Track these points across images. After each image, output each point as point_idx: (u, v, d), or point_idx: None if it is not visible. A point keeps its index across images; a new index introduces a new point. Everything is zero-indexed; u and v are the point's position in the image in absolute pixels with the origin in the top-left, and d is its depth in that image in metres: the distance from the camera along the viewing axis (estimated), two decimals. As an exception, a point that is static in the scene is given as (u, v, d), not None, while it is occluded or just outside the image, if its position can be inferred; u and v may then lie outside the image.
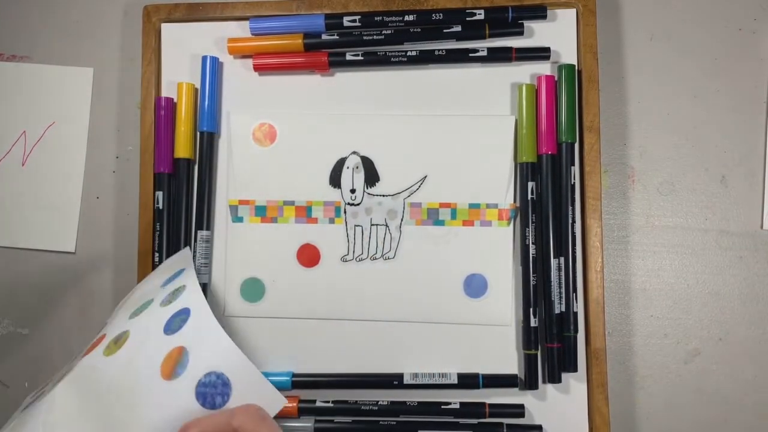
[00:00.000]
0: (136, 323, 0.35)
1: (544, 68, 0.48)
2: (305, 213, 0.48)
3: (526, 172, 0.46)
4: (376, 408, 0.46)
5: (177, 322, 0.35)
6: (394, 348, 0.47)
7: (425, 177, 0.48)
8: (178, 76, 0.50)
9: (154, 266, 0.48)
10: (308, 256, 0.48)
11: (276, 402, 0.34)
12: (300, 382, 0.47)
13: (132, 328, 0.35)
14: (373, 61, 0.48)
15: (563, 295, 0.45)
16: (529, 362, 0.46)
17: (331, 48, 0.48)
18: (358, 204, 0.48)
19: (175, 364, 0.33)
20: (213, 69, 0.49)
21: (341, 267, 0.48)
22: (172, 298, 0.37)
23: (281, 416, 0.46)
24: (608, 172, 0.49)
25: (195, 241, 0.48)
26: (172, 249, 0.48)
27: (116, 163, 0.52)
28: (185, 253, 0.44)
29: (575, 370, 0.45)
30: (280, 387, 0.47)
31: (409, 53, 0.48)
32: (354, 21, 0.48)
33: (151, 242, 0.48)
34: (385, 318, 0.48)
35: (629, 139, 0.49)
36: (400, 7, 0.48)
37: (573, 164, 0.46)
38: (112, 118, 0.52)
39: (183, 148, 0.48)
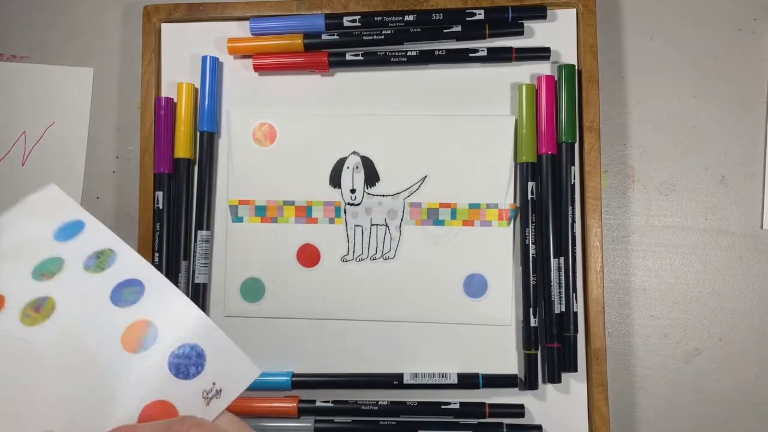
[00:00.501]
0: (59, 289, 0.32)
1: (544, 68, 0.48)
2: (305, 213, 0.48)
3: (526, 172, 0.46)
4: (376, 408, 0.46)
5: (128, 293, 0.33)
6: (394, 348, 0.47)
7: (425, 177, 0.48)
8: (178, 76, 0.50)
9: (153, 266, 0.48)
10: (308, 256, 0.48)
11: (250, 373, 0.33)
12: (300, 382, 0.47)
13: (55, 294, 0.32)
14: (373, 61, 0.48)
15: (563, 295, 0.45)
16: (529, 362, 0.46)
17: (331, 48, 0.48)
18: (358, 204, 0.48)
19: (140, 337, 0.32)
20: (213, 69, 0.49)
21: (341, 267, 0.48)
22: (101, 265, 0.34)
23: (282, 416, 0.46)
24: (608, 172, 0.49)
25: (195, 241, 0.48)
26: (172, 249, 0.48)
27: (116, 163, 0.52)
28: (52, 191, 0.37)
29: (575, 370, 0.45)
30: (280, 387, 0.47)
31: (409, 53, 0.48)
32: (354, 21, 0.48)
33: (151, 242, 0.48)
34: (385, 318, 0.48)
35: (629, 139, 0.49)
36: (400, 7, 0.48)
37: (573, 164, 0.46)
38: (112, 118, 0.52)
39: (183, 148, 0.48)
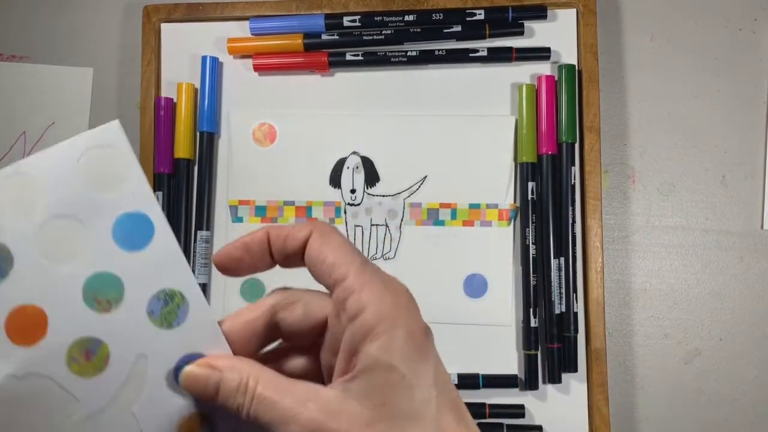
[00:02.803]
0: (115, 334, 0.25)
1: (544, 68, 0.48)
2: (305, 213, 0.48)
3: (526, 172, 0.46)
4: (376, 408, 0.46)
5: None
6: (394, 348, 0.47)
7: (425, 177, 0.48)
8: (178, 76, 0.50)
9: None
10: (308, 256, 0.48)
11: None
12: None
13: (110, 341, 0.25)
14: (373, 61, 0.48)
15: (563, 295, 0.45)
16: (529, 362, 0.46)
17: (331, 48, 0.48)
18: (358, 204, 0.48)
19: None
20: (213, 69, 0.49)
21: (341, 267, 0.48)
22: (168, 317, 0.26)
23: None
24: (608, 172, 0.49)
25: (195, 241, 0.48)
26: (172, 249, 0.48)
27: (116, 163, 0.52)
28: (119, 142, 0.26)
29: (575, 370, 0.45)
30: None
31: (409, 53, 0.48)
32: (354, 21, 0.48)
33: (151, 242, 0.48)
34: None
35: (629, 139, 0.49)
36: (400, 7, 0.48)
37: (573, 164, 0.46)
38: (111, 118, 0.52)
39: (183, 149, 0.48)
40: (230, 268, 0.25)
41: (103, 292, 0.24)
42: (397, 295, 0.23)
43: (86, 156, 0.25)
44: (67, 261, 0.24)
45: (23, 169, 0.24)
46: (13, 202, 0.24)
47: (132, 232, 0.25)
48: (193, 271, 0.48)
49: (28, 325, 0.24)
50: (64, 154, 0.24)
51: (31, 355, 0.24)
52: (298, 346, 0.27)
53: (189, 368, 0.24)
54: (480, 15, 0.47)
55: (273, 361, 0.26)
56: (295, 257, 0.25)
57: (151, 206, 0.25)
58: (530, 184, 0.46)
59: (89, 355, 0.25)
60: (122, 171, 0.25)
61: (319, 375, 0.26)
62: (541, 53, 0.47)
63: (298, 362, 0.27)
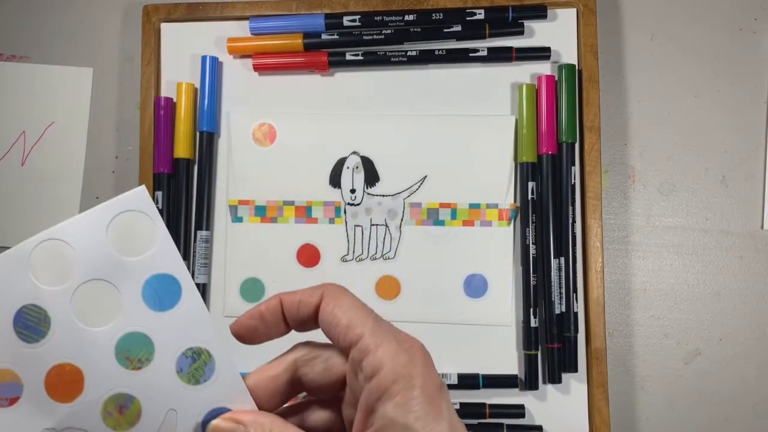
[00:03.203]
0: (146, 391, 0.26)
1: (544, 68, 0.48)
2: (305, 213, 0.48)
3: (526, 172, 0.46)
4: (376, 408, 0.46)
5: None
6: (394, 348, 0.47)
7: (425, 177, 0.48)
8: (178, 76, 0.50)
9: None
10: (308, 256, 0.48)
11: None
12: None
13: (141, 397, 0.26)
14: (373, 61, 0.48)
15: (563, 295, 0.45)
16: (530, 362, 0.46)
17: (331, 48, 0.48)
18: (358, 204, 0.48)
19: None
20: (213, 69, 0.49)
21: (341, 267, 0.48)
22: (196, 374, 0.27)
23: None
24: (608, 172, 0.49)
25: (195, 241, 0.48)
26: (172, 249, 0.48)
27: (116, 163, 0.52)
28: (145, 204, 0.27)
29: (575, 370, 0.45)
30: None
31: (409, 53, 0.48)
32: (354, 21, 0.48)
33: (150, 242, 0.48)
34: (385, 318, 0.47)
35: (629, 139, 0.49)
36: (400, 7, 0.48)
37: (573, 164, 0.46)
38: (111, 118, 0.52)
39: (182, 148, 0.48)
40: (246, 337, 0.27)
41: (134, 351, 0.26)
42: (411, 352, 0.24)
43: (115, 221, 0.26)
44: (100, 322, 0.26)
45: (56, 235, 0.25)
46: (48, 267, 0.26)
47: (160, 293, 0.27)
48: (193, 271, 0.48)
49: (66, 383, 0.26)
50: (94, 220, 0.26)
51: (69, 410, 0.26)
52: (320, 400, 0.28)
53: (215, 422, 0.26)
54: (480, 15, 0.47)
55: (296, 413, 0.27)
56: (309, 322, 0.26)
57: (178, 267, 0.27)
58: (530, 184, 0.46)
59: (122, 410, 0.26)
60: (149, 234, 0.27)
61: (341, 428, 0.27)
62: (541, 53, 0.47)
63: (321, 415, 0.28)
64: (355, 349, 0.24)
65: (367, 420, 0.23)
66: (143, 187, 0.27)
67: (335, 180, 0.48)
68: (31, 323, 0.25)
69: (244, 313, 0.26)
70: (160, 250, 0.27)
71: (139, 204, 0.27)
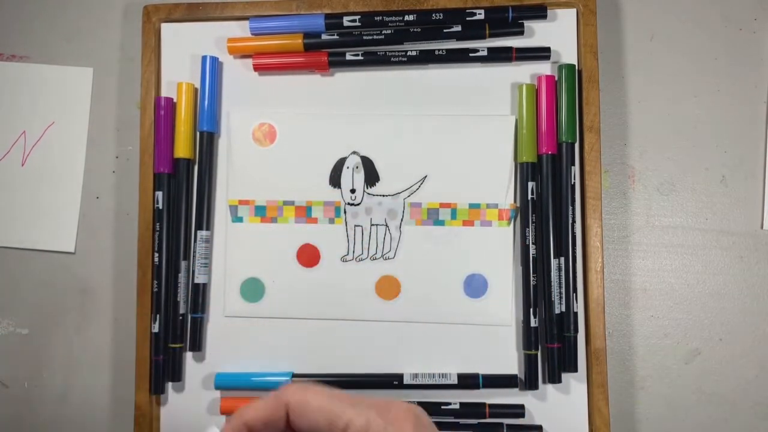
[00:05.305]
0: None
1: (544, 68, 0.48)
2: (305, 213, 0.48)
3: (526, 172, 0.46)
4: (376, 408, 0.46)
5: None
6: (394, 348, 0.47)
7: (425, 177, 0.48)
8: (178, 76, 0.50)
9: (153, 266, 0.48)
10: (308, 256, 0.48)
11: None
12: (300, 382, 0.47)
13: None
14: (373, 61, 0.48)
15: (563, 295, 0.45)
16: (530, 362, 0.46)
17: (331, 48, 0.48)
18: (358, 204, 0.48)
19: None
20: (213, 69, 0.49)
21: (341, 267, 0.48)
22: None
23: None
24: (608, 172, 0.49)
25: (195, 241, 0.48)
26: (172, 249, 0.48)
27: (116, 163, 0.52)
28: None
29: (575, 370, 0.45)
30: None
31: (409, 53, 0.48)
32: (354, 21, 0.48)
33: (150, 242, 0.48)
34: (385, 318, 0.48)
35: (629, 139, 0.49)
36: (400, 7, 0.48)
37: (573, 164, 0.46)
38: (111, 118, 0.52)
39: (183, 148, 0.48)
40: None
41: None
42: (397, 425, 0.25)
43: None
44: None
45: None
46: None
47: None
48: (193, 271, 0.48)
49: None
50: None
51: None
52: None
53: None
54: (480, 15, 0.47)
55: None
56: None
57: None
58: (530, 184, 0.46)
59: None
60: None
61: None
62: (541, 53, 0.47)
63: None
64: None
65: None
66: (215, 427, 0.28)
67: (335, 180, 0.48)
68: None
69: None
70: None
71: None
